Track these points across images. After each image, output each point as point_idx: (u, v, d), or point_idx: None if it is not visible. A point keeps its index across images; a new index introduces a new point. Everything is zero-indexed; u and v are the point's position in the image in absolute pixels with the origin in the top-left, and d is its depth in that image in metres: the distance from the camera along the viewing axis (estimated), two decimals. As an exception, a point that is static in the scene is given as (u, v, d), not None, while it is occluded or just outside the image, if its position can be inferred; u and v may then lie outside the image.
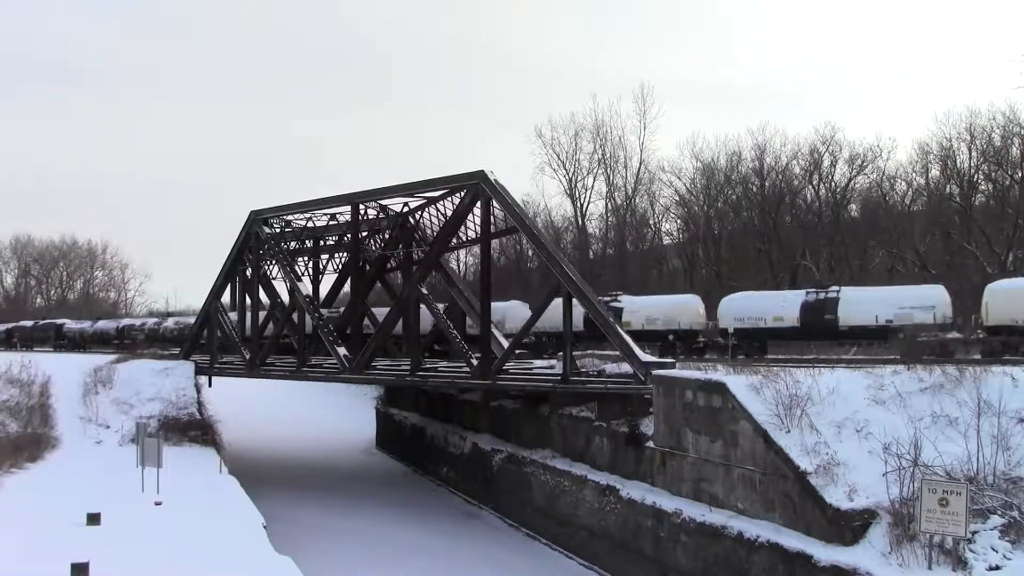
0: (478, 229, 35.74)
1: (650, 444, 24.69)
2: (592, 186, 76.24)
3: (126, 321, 71.13)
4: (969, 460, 17.34)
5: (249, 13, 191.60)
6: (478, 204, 34.40)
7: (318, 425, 61.09)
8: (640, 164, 74.19)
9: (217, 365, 45.85)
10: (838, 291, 34.55)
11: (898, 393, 19.99)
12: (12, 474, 28.54)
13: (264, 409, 63.08)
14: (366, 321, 43.68)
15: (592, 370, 29.83)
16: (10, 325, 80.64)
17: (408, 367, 36.39)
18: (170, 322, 63.55)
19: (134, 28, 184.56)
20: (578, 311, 31.57)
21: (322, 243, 49.46)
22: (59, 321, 77.65)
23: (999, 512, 16.35)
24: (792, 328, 34.67)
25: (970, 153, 55.06)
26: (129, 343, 62.72)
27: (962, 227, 52.04)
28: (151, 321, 67.11)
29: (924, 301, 31.31)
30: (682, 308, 39.53)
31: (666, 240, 75.15)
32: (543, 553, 29.14)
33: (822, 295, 34.61)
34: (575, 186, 76.51)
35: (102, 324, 71.53)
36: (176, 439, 36.56)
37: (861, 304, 32.21)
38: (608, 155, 75.21)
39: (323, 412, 65.56)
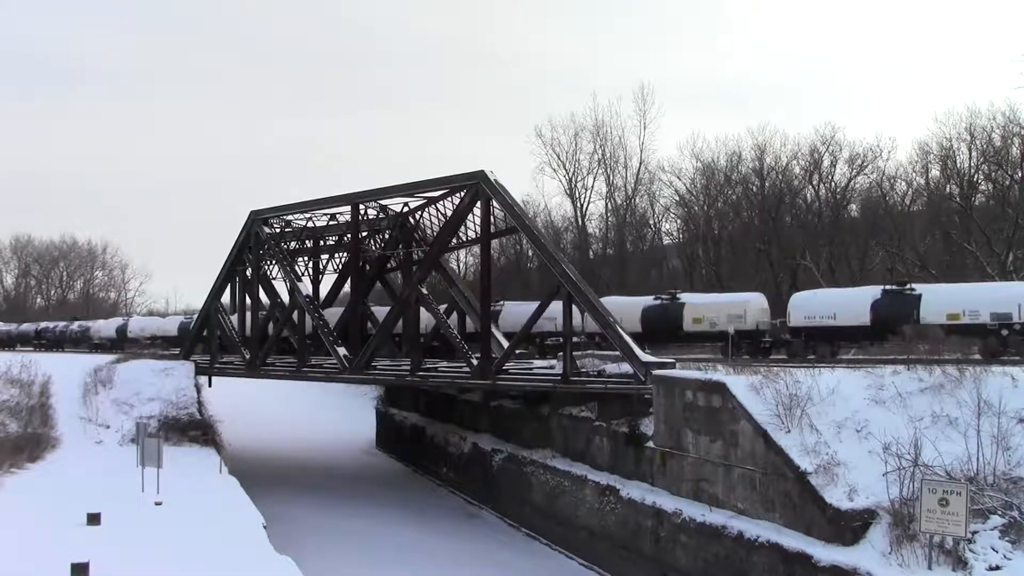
0: (478, 229, 35.75)
1: (650, 444, 24.69)
2: (592, 186, 76.23)
3: (42, 324, 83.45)
4: (969, 460, 17.33)
5: (249, 13, 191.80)
6: (478, 204, 34.40)
7: (318, 425, 61.08)
8: (640, 164, 74.18)
9: (217, 365, 45.86)
10: (502, 304, 43.97)
11: (898, 393, 19.99)
12: (12, 474, 28.52)
13: (264, 409, 63.09)
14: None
15: (592, 370, 29.82)
16: None
17: (408, 367, 36.39)
18: (75, 325, 77.67)
19: (134, 28, 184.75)
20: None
21: (322, 243, 49.47)
22: None
23: (999, 512, 16.35)
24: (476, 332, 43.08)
25: (970, 153, 54.96)
26: (45, 342, 78.46)
27: (962, 227, 51.94)
28: (61, 324, 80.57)
29: (550, 313, 37.03)
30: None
31: (666, 240, 75.09)
32: (543, 553, 29.13)
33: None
34: (575, 186, 76.50)
35: (24, 327, 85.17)
36: (176, 439, 36.56)
37: (513, 315, 38.54)
38: (608, 155, 75.17)
39: (323, 412, 65.55)
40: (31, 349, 73.06)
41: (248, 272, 45.08)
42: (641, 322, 37.71)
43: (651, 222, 75.06)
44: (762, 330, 35.84)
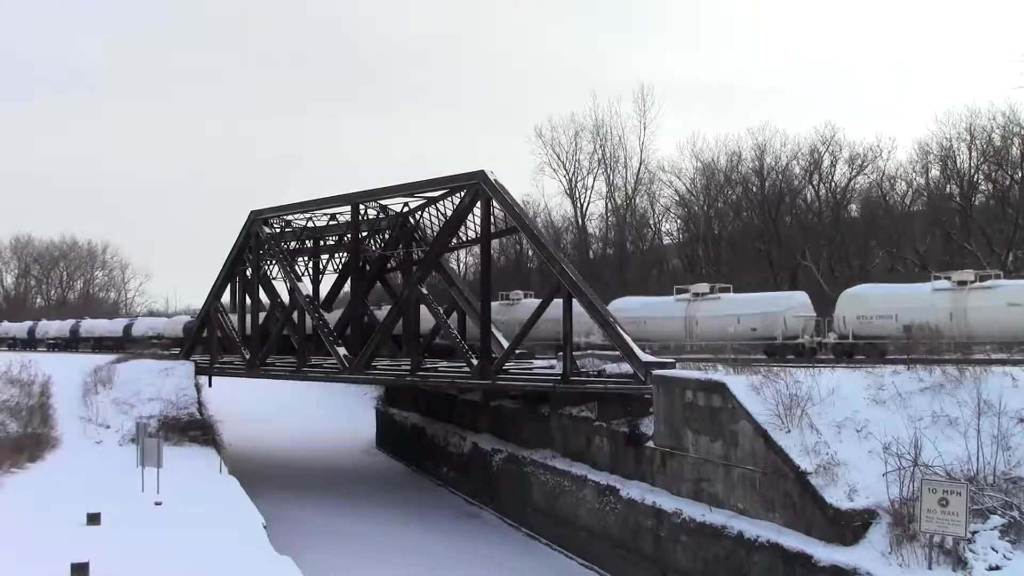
0: (478, 229, 35.74)
1: (650, 444, 24.67)
2: (592, 186, 76.33)
3: None
4: (969, 460, 17.33)
5: (249, 13, 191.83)
6: (478, 204, 34.39)
7: (318, 425, 61.07)
8: (640, 164, 74.26)
9: (217, 365, 45.85)
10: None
11: (898, 393, 19.98)
12: (12, 474, 28.54)
13: (264, 409, 63.08)
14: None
15: (592, 370, 29.81)
16: None
17: (408, 367, 36.38)
18: None
19: (134, 28, 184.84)
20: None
21: (322, 243, 49.47)
22: None
23: (999, 512, 16.34)
24: (176, 339, 57.97)
25: (970, 153, 55.00)
26: None
27: (962, 227, 51.96)
28: None
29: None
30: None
31: (666, 240, 75.13)
32: (543, 553, 29.13)
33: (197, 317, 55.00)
34: (575, 186, 76.56)
35: None
36: (176, 439, 36.55)
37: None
38: (608, 155, 75.25)
39: (323, 412, 65.54)
40: None
41: (248, 272, 45.07)
42: None
43: (651, 222, 75.19)
44: None
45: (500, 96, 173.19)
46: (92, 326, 73.71)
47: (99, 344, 69.26)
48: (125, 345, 64.82)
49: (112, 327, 71.20)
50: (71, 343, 72.85)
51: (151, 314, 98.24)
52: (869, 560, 16.29)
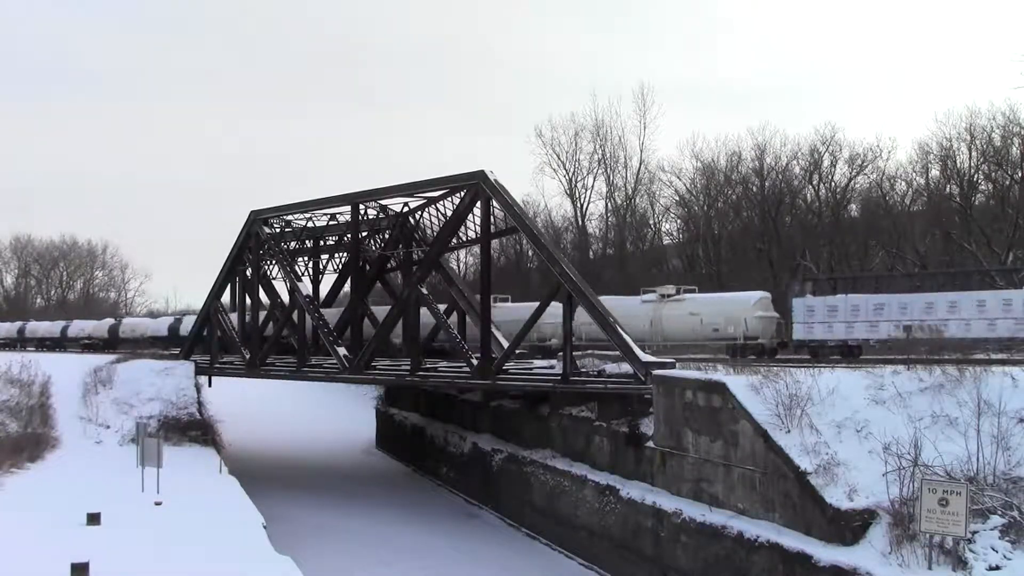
0: (478, 229, 35.74)
1: (650, 444, 24.68)
2: (592, 186, 76.31)
3: None
4: (969, 460, 17.31)
5: (249, 13, 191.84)
6: (478, 204, 34.40)
7: (318, 425, 61.10)
8: (640, 164, 74.22)
9: (217, 365, 45.85)
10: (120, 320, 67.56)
11: (898, 393, 19.97)
12: (12, 474, 28.56)
13: (264, 409, 63.11)
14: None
15: (592, 370, 29.80)
16: None
17: (408, 367, 36.38)
18: None
19: (133, 28, 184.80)
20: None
21: (322, 243, 49.49)
22: None
23: (999, 512, 16.33)
24: (103, 338, 70.15)
25: (970, 153, 54.92)
26: None
27: (962, 227, 51.93)
28: None
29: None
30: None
31: (666, 240, 75.05)
32: (543, 553, 29.13)
33: (118, 320, 74.40)
34: (575, 186, 76.55)
35: None
36: (176, 439, 36.59)
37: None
38: (608, 155, 75.23)
39: (323, 412, 65.58)
40: None
41: (248, 272, 45.07)
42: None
43: (651, 222, 75.12)
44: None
45: (500, 96, 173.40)
46: (35, 327, 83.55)
47: (41, 343, 79.49)
48: (63, 343, 76.64)
49: (52, 328, 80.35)
50: (18, 342, 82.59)
51: (150, 314, 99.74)
52: (869, 560, 16.27)
